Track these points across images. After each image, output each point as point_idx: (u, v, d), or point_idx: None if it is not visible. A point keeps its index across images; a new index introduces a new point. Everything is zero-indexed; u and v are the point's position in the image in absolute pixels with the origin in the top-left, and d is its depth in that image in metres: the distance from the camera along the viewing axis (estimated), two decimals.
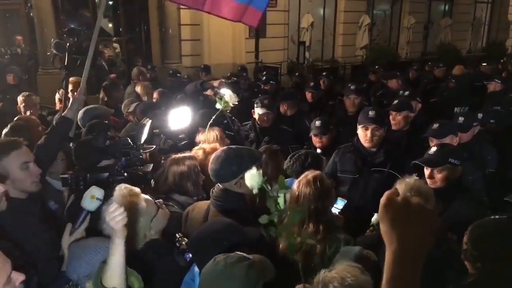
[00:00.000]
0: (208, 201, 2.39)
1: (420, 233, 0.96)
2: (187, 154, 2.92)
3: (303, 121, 4.75)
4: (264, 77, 6.69)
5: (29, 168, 2.28)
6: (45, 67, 9.12)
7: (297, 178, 2.71)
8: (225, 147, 2.38)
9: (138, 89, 5.85)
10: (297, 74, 9.20)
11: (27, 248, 1.96)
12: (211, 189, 2.33)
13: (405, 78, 7.76)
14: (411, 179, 2.22)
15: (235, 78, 6.19)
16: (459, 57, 16.91)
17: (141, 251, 2.04)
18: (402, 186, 2.17)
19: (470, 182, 3.06)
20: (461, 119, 3.92)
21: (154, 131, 2.87)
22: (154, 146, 2.88)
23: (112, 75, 9.16)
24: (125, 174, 2.38)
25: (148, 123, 2.88)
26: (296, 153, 3.04)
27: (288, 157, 3.06)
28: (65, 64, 3.64)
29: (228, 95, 3.41)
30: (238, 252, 1.57)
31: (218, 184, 2.28)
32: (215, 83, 4.12)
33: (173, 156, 2.84)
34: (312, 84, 5.77)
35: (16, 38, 10.48)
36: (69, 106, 3.15)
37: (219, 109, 3.43)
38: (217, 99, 3.48)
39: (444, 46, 17.72)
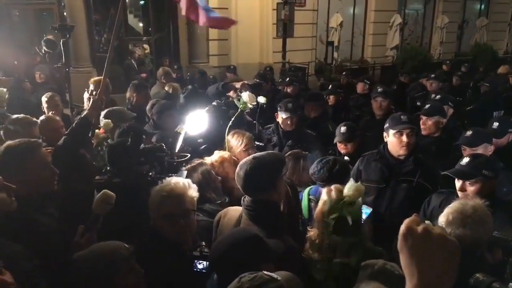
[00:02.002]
0: (239, 208, 2.33)
1: (442, 267, 0.88)
2: (196, 161, 2.87)
3: (327, 124, 4.64)
4: (288, 79, 6.56)
5: (47, 169, 2.29)
6: (77, 65, 9.31)
7: (322, 184, 2.62)
8: (250, 157, 2.29)
9: (169, 90, 5.84)
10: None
11: (39, 248, 1.94)
12: (242, 197, 2.26)
13: (448, 85, 7.43)
14: (463, 204, 2.09)
15: (257, 80, 6.11)
16: (495, 58, 16.30)
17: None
18: (444, 217, 2.07)
19: (505, 194, 2.89)
20: (495, 124, 3.71)
21: (170, 139, 2.84)
22: (189, 155, 2.83)
23: (143, 75, 9.26)
24: (159, 182, 2.34)
25: (183, 132, 2.85)
26: (324, 159, 2.92)
27: (315, 162, 2.92)
28: (63, 61, 3.62)
29: (246, 96, 3.36)
30: (265, 272, 1.47)
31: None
32: (237, 85, 4.07)
33: (184, 168, 2.78)
34: (330, 86, 5.62)
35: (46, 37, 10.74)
36: (88, 107, 3.14)
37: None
38: (235, 100, 3.44)
39: (479, 46, 17.11)
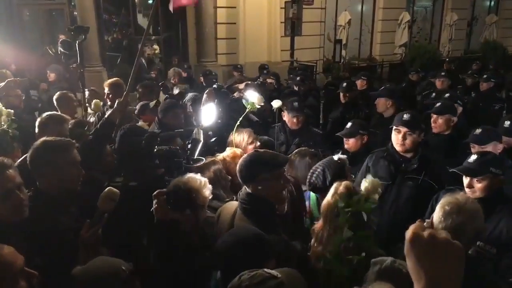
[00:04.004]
0: (236, 203, 2.39)
1: (448, 270, 0.93)
2: (209, 159, 2.93)
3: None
4: (299, 78, 6.59)
5: (76, 168, 2.37)
6: (87, 64, 9.42)
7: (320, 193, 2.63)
8: (253, 150, 2.38)
9: (176, 91, 5.95)
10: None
11: (53, 245, 2.01)
12: (239, 192, 2.34)
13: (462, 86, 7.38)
14: (450, 202, 2.11)
15: (260, 80, 6.15)
16: (505, 56, 16.16)
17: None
18: (441, 211, 2.10)
19: None
20: (507, 123, 3.73)
21: (176, 131, 2.84)
22: (204, 159, 2.86)
23: (152, 74, 9.34)
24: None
25: (201, 136, 2.88)
26: (314, 172, 2.76)
27: (309, 174, 2.80)
28: (78, 62, 3.64)
29: (255, 97, 3.40)
30: (266, 270, 1.49)
31: (245, 187, 2.29)
32: (241, 86, 4.11)
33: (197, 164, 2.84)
34: (344, 84, 5.62)
35: (59, 37, 10.86)
36: (113, 109, 3.19)
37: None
38: (243, 101, 3.48)
39: (489, 44, 16.97)
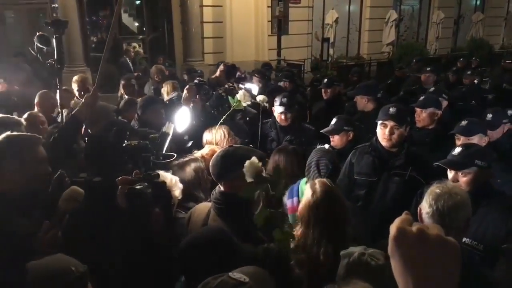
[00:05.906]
0: (210, 204, 2.29)
1: (440, 274, 0.75)
2: (190, 157, 2.79)
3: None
4: (280, 75, 6.54)
5: (43, 166, 2.25)
6: (70, 65, 9.24)
7: None
8: (227, 146, 2.28)
9: (167, 87, 5.47)
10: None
11: (8, 251, 1.83)
12: (212, 191, 2.22)
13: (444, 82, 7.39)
14: (440, 186, 2.02)
15: (256, 75, 6.07)
16: (492, 53, 16.27)
17: None
18: (430, 196, 2.00)
19: (499, 186, 2.83)
20: (489, 116, 3.72)
21: (151, 136, 2.71)
22: (175, 155, 2.70)
23: (136, 74, 9.19)
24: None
25: (171, 131, 2.75)
26: (319, 164, 2.80)
27: (312, 168, 2.81)
28: (56, 58, 3.43)
29: (240, 94, 3.30)
30: (231, 275, 1.38)
31: (219, 186, 2.18)
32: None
33: (177, 161, 2.70)
34: (325, 80, 5.55)
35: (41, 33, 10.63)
36: (80, 105, 3.04)
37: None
38: (229, 98, 3.37)
39: (475, 41, 17.10)
